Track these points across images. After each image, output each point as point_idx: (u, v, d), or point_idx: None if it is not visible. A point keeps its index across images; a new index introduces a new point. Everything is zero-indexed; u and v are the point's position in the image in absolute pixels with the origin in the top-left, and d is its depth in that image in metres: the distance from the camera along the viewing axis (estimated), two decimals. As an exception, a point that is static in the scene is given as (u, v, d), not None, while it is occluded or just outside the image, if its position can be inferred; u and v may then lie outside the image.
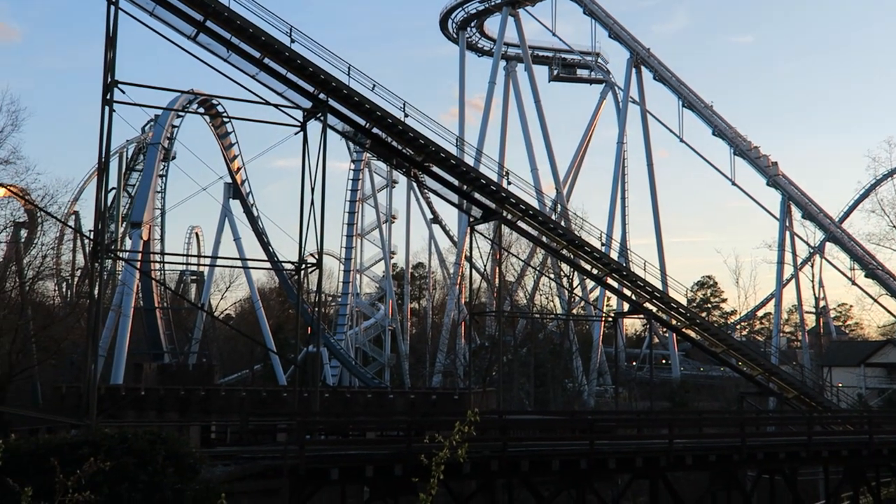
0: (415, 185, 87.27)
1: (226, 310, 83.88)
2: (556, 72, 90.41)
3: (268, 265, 54.58)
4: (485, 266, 43.90)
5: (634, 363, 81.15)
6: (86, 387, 29.14)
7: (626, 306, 61.28)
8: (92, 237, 30.89)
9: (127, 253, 48.27)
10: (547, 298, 62.39)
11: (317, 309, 32.47)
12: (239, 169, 61.44)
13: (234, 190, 61.31)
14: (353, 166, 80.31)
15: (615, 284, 38.30)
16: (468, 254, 37.29)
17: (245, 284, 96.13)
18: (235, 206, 62.52)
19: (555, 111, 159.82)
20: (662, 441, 27.03)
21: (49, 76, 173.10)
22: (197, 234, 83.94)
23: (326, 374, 66.52)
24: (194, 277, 78.64)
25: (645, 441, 28.15)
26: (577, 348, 66.13)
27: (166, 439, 18.81)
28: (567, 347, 63.68)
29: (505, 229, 38.05)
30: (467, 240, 68.07)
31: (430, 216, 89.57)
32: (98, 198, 29.00)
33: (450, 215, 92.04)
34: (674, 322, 39.24)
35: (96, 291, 29.14)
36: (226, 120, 58.79)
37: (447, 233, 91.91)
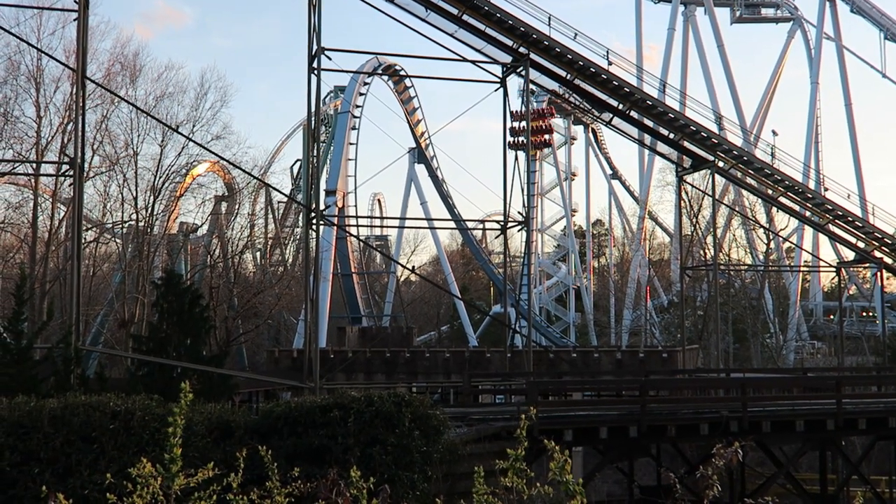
0: (593, 140, 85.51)
1: (410, 273, 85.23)
2: (738, 13, 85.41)
3: (471, 225, 54.51)
4: (695, 217, 41.87)
5: (832, 316, 76.72)
6: (307, 351, 29.98)
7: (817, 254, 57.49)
8: (305, 205, 31.46)
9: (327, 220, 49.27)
10: (745, 250, 59.29)
11: (526, 266, 31.90)
12: (423, 133, 61.70)
13: (419, 154, 61.73)
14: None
15: (839, 231, 35.58)
16: (682, 205, 35.58)
17: (425, 249, 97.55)
18: (420, 169, 62.96)
19: (737, 55, 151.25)
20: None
21: (219, 54, 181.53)
22: (379, 200, 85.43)
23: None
24: (379, 243, 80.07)
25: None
26: (776, 302, 62.85)
27: (411, 402, 18.68)
28: (765, 301, 60.67)
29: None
30: (653, 190, 66.02)
31: (609, 172, 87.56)
32: (308, 166, 29.53)
33: (630, 170, 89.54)
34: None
35: (308, 257, 29.73)
36: (409, 85, 59.00)
37: (627, 188, 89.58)
